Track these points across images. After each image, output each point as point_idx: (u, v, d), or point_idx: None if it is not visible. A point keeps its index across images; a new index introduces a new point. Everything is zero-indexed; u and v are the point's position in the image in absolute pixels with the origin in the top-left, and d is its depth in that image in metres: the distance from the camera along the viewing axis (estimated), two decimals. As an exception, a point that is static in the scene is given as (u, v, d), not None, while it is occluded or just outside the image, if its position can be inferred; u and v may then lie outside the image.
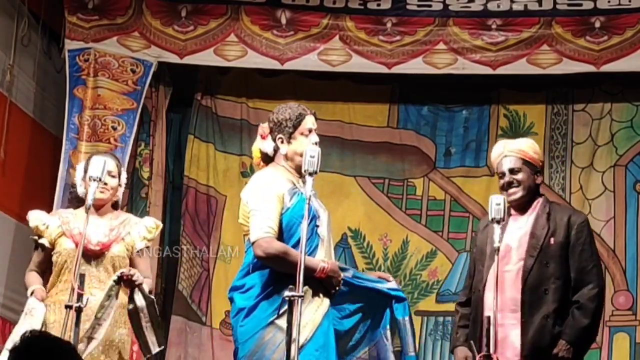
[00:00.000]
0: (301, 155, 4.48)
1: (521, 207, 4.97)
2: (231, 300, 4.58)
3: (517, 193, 4.93)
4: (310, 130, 4.62)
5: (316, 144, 4.56)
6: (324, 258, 4.49)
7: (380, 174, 7.33)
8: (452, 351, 5.11)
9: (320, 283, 4.47)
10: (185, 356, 7.03)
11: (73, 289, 4.43)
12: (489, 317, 4.43)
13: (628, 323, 6.88)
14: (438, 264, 7.15)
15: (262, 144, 4.67)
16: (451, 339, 5.38)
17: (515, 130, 7.26)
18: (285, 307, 4.23)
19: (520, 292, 4.78)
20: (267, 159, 4.67)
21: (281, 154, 4.60)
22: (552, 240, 4.85)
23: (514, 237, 4.91)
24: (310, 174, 4.34)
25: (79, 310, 4.39)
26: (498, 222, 4.64)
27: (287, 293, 4.19)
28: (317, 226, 4.56)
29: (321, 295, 4.48)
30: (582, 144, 7.20)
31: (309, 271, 4.34)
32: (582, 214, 5.41)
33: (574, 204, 7.07)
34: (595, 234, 6.97)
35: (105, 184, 5.02)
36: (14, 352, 2.99)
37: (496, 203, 4.67)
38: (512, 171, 4.95)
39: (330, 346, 4.47)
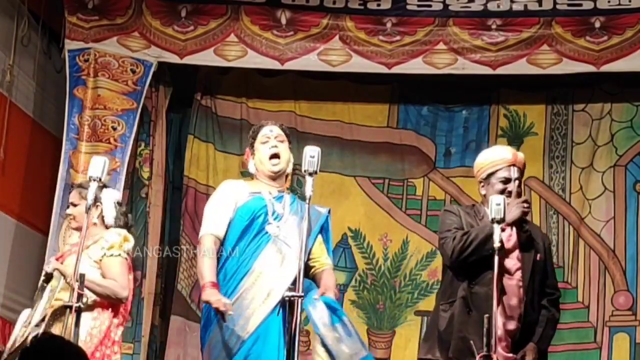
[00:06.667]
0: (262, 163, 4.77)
1: None
2: None
3: None
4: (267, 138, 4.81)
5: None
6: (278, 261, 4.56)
7: (380, 174, 7.33)
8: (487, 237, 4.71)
9: None
10: (184, 356, 7.02)
11: (73, 289, 4.44)
12: (489, 317, 4.42)
13: (628, 323, 6.89)
14: (438, 264, 7.11)
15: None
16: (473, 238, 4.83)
17: (515, 131, 7.27)
18: None
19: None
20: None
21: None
22: (538, 257, 4.91)
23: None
24: (310, 174, 4.35)
25: (79, 310, 4.39)
26: (498, 222, 4.63)
27: (287, 293, 4.20)
28: (269, 223, 4.63)
29: None
30: (582, 144, 7.20)
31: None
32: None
33: (574, 204, 7.08)
34: (595, 234, 7.01)
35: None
36: (23, 353, 3.02)
37: (496, 203, 4.66)
38: (518, 183, 4.94)
39: None
